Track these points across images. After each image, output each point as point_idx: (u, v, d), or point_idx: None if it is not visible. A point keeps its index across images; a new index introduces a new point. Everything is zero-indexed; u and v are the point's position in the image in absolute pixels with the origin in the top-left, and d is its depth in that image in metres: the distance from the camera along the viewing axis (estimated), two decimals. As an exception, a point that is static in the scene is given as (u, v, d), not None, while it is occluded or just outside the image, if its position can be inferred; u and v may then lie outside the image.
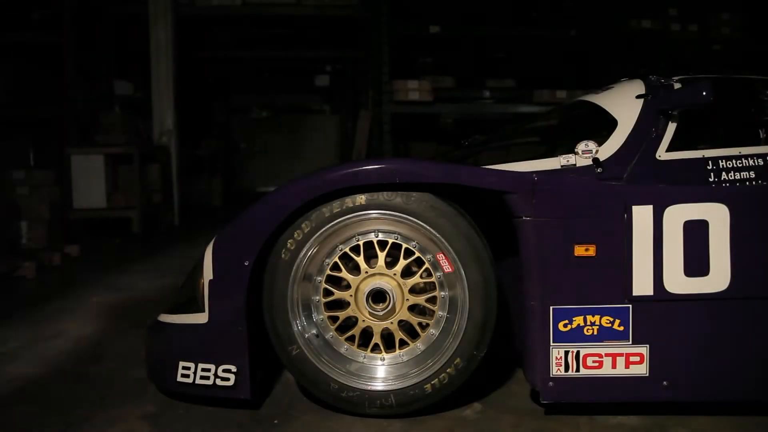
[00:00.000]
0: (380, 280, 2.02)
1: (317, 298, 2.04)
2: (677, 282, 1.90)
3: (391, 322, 2.03)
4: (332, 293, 2.04)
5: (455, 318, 1.99)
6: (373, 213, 1.96)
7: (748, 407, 2.06)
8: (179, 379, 2.05)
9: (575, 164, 2.04)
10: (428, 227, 1.95)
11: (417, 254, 2.00)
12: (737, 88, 2.37)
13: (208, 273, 1.99)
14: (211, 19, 8.24)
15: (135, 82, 7.72)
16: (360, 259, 2.02)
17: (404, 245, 2.00)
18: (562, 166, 2.03)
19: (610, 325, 1.92)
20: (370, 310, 2.02)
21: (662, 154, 2.02)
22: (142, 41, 7.66)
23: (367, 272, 2.02)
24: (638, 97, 2.15)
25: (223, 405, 2.09)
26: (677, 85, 2.17)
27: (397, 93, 7.06)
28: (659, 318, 1.92)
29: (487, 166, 2.03)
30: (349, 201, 1.95)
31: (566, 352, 1.93)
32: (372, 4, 7.49)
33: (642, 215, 1.89)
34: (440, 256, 1.98)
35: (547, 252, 1.91)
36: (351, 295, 2.04)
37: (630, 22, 7.54)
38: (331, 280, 2.04)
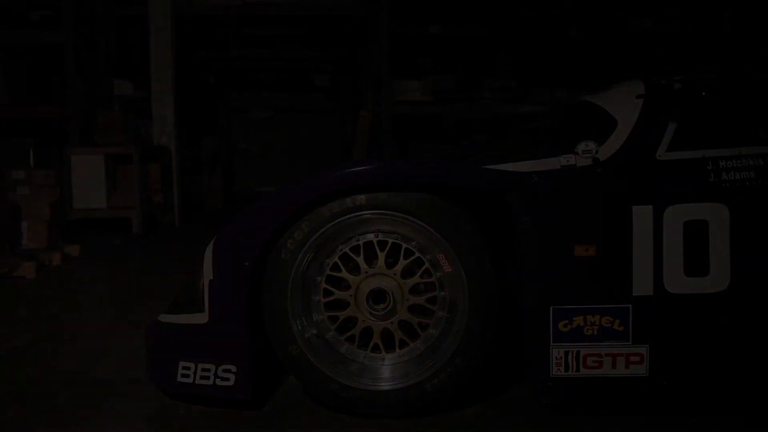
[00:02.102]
0: (380, 281, 2.02)
1: (317, 298, 2.04)
2: (677, 282, 1.90)
3: (392, 322, 2.03)
4: (332, 293, 2.04)
5: (455, 318, 1.99)
6: (374, 213, 1.96)
7: (749, 407, 2.06)
8: (179, 379, 2.05)
9: (575, 164, 2.04)
10: (428, 227, 1.95)
11: (417, 254, 2.00)
12: (737, 87, 2.36)
13: (208, 273, 1.99)
14: (211, 19, 8.23)
15: (135, 82, 7.72)
16: (360, 260, 2.02)
17: (404, 245, 2.00)
18: (562, 166, 2.03)
19: (610, 325, 1.92)
20: (371, 311, 2.02)
21: (662, 154, 2.02)
22: (142, 41, 7.66)
23: (367, 272, 2.02)
24: (638, 97, 2.15)
25: (223, 405, 2.09)
26: (677, 85, 2.17)
27: (397, 93, 7.06)
28: (659, 318, 1.92)
29: (487, 166, 2.02)
30: (349, 201, 1.95)
31: (566, 352, 1.93)
32: (372, 4, 7.48)
33: (642, 215, 1.90)
34: (440, 256, 1.98)
35: (547, 252, 1.91)
36: (351, 296, 2.03)
37: (630, 22, 7.53)
38: (331, 280, 2.04)
